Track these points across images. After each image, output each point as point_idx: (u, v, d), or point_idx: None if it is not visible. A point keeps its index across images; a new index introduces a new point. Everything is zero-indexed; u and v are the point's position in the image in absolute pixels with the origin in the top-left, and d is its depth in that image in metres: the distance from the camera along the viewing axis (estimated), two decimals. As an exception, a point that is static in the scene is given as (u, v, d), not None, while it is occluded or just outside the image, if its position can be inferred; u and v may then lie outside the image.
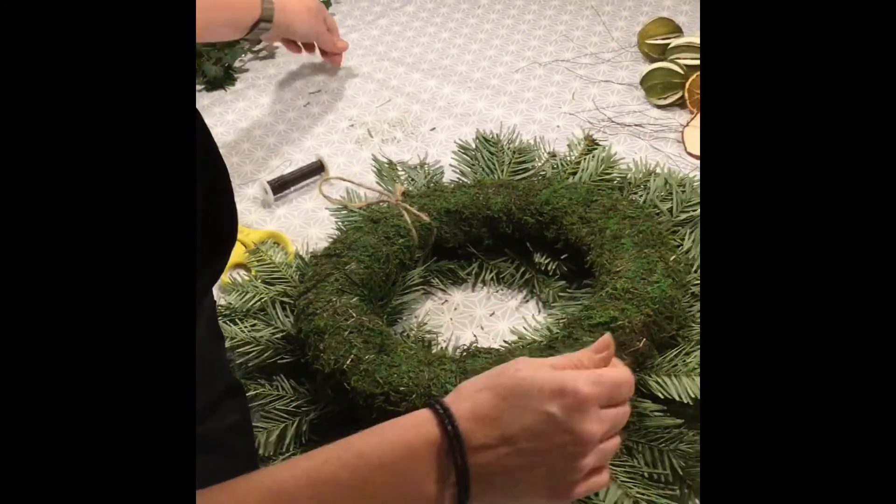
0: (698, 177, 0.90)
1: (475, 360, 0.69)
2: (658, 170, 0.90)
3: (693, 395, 0.66)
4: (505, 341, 0.77)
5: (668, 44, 1.11)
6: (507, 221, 0.84)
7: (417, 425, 0.52)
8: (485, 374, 0.55)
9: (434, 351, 0.75)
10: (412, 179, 0.96)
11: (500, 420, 0.51)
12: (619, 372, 0.55)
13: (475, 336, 0.81)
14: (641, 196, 0.87)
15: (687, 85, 1.04)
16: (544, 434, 0.50)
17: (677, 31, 1.14)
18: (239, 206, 1.03)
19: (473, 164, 0.96)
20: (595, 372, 0.54)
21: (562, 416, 0.50)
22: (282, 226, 0.98)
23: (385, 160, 1.00)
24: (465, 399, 0.52)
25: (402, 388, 0.66)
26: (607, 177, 0.89)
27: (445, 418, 0.51)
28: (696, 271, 0.78)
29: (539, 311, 0.83)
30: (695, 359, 0.68)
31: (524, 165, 0.93)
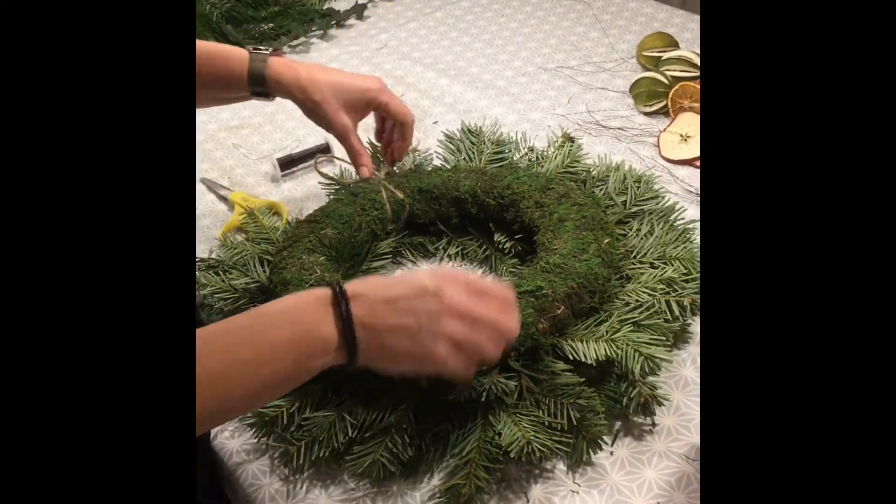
0: (658, 175, 0.97)
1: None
2: (619, 166, 0.97)
3: (596, 358, 0.73)
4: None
5: (662, 56, 1.18)
6: (472, 202, 0.93)
7: (312, 291, 0.64)
8: None
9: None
10: (402, 163, 1.05)
11: (388, 287, 0.64)
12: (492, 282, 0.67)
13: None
14: (601, 189, 0.94)
15: (670, 94, 1.11)
16: (416, 298, 0.63)
17: (673, 44, 1.21)
18: (251, 180, 1.15)
19: (456, 153, 1.05)
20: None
21: (432, 286, 0.63)
22: (284, 198, 1.08)
23: (379, 145, 1.09)
24: (361, 279, 0.66)
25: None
26: (573, 169, 0.97)
27: (336, 284, 0.63)
28: (634, 256, 0.86)
29: (494, 285, 0.91)
30: (605, 327, 0.76)
31: (501, 156, 1.02)
